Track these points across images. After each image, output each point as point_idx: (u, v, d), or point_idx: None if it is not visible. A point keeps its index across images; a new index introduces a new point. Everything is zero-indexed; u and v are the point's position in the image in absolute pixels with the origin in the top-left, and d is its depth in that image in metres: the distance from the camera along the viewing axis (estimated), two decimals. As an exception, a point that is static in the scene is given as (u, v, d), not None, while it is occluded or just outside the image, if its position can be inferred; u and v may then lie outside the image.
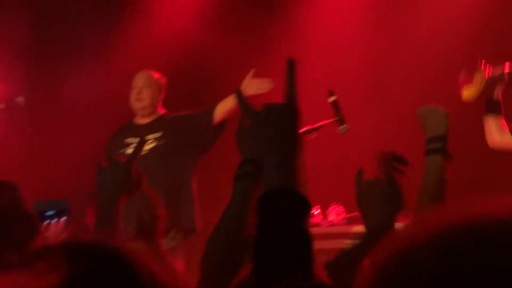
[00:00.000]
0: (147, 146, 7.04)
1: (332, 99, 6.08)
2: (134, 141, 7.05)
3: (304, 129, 5.85)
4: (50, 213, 3.03)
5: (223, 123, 6.81)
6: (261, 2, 8.99)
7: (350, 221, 7.03)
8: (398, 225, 3.10)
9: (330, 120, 6.09)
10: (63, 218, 2.98)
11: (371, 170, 3.29)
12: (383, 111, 7.90)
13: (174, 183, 6.70)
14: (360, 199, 3.32)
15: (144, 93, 7.03)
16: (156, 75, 7.11)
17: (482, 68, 6.24)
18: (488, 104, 6.54)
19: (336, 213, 7.29)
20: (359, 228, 3.15)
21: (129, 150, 6.97)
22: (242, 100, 2.38)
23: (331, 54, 8.45)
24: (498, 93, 6.50)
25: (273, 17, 8.89)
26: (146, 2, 9.10)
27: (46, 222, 3.10)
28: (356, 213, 6.97)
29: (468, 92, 6.43)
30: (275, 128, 2.23)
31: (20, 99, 7.76)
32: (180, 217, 6.56)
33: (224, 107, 6.71)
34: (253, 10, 8.85)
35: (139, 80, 7.14)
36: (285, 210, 2.06)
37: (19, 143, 8.59)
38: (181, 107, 7.22)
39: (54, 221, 2.99)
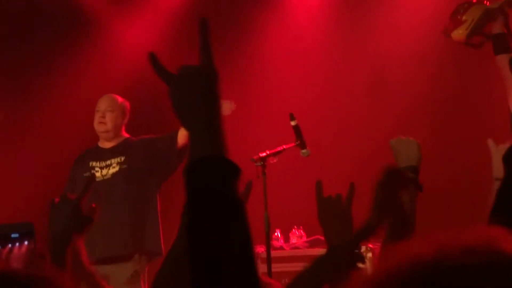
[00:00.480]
0: (111, 171, 7.03)
1: (293, 123, 6.12)
2: (97, 164, 7.06)
3: (266, 153, 6.07)
4: (14, 235, 2.93)
5: (187, 146, 6.56)
6: (224, 25, 8.92)
7: (312, 244, 7.01)
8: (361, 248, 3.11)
9: (292, 144, 6.13)
10: (27, 242, 2.88)
11: (332, 189, 3.24)
12: (344, 135, 7.92)
13: (138, 207, 6.68)
14: (321, 213, 3.30)
15: (107, 117, 6.95)
16: (120, 99, 7.03)
17: (474, 2, 6.09)
18: (495, 40, 6.25)
19: (298, 236, 7.28)
20: (321, 251, 3.15)
21: (96, 173, 7.02)
22: (156, 64, 2.15)
23: (294, 78, 8.47)
24: (500, 26, 6.25)
25: (236, 37, 8.86)
26: (109, 26, 9.05)
27: (9, 245, 2.98)
28: (317, 236, 7.03)
29: (458, 31, 6.26)
30: (192, 91, 2.10)
31: None
32: (145, 240, 6.54)
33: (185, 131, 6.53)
34: (216, 31, 8.80)
35: (103, 103, 7.06)
36: (217, 181, 1.94)
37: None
38: (145, 131, 7.21)
39: (17, 244, 2.90)
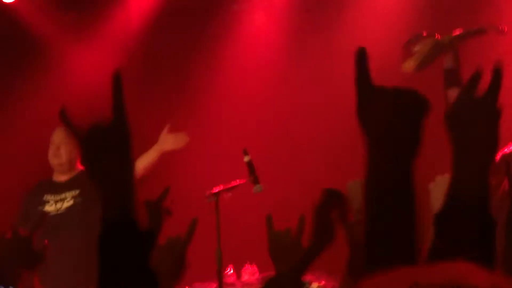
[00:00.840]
0: (65, 204, 6.89)
1: (246, 159, 6.12)
2: (52, 198, 6.94)
3: (219, 189, 6.05)
4: None
5: (143, 179, 6.64)
6: (177, 55, 8.97)
7: (265, 280, 6.95)
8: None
9: (244, 180, 6.13)
10: None
11: (282, 223, 3.29)
12: (298, 171, 7.95)
13: (92, 241, 6.61)
14: (271, 247, 3.33)
15: (62, 150, 6.90)
16: (64, 129, 6.88)
17: (425, 35, 6.16)
18: (445, 75, 6.27)
19: (250, 272, 7.25)
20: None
21: (47, 207, 6.88)
22: (67, 122, 2.18)
23: (249, 113, 8.51)
24: (451, 60, 6.30)
25: (190, 68, 8.86)
26: (61, 50, 8.93)
27: None
28: (270, 273, 7.01)
29: (407, 63, 6.27)
30: (103, 149, 2.16)
31: None
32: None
33: (143, 162, 6.62)
34: (171, 61, 8.91)
35: (57, 136, 6.97)
36: (130, 247, 2.06)
37: None
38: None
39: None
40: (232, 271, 7.29)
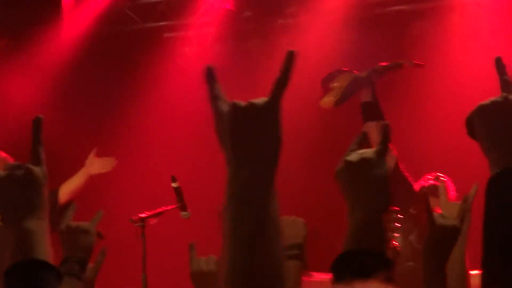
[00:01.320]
0: None
1: (175, 185, 6.11)
2: None
3: (146, 214, 6.02)
4: None
5: (69, 203, 6.46)
6: (110, 81, 9.02)
7: None
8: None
9: (173, 206, 6.12)
10: None
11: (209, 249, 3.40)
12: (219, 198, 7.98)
13: None
14: (193, 275, 3.50)
15: None
16: (3, 154, 6.73)
17: (343, 71, 6.29)
18: (363, 109, 6.38)
19: None
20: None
21: None
22: None
23: (179, 139, 8.54)
24: (368, 95, 6.37)
25: (122, 94, 8.87)
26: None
27: None
28: None
29: (326, 99, 6.38)
30: (19, 194, 2.21)
31: None
32: None
33: (69, 187, 6.48)
34: (103, 88, 8.97)
35: None
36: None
37: None
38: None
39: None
40: None
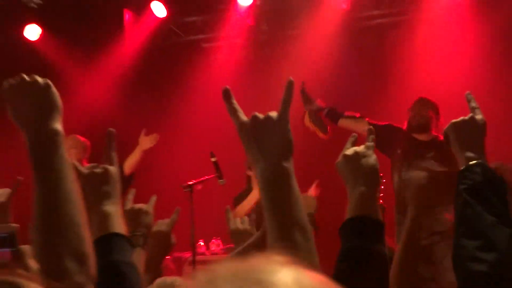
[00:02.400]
0: None
1: (213, 159, 6.14)
2: None
3: (193, 182, 6.07)
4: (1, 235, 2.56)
5: (131, 175, 6.52)
6: (162, 80, 8.95)
7: (227, 251, 6.93)
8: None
9: (212, 176, 6.14)
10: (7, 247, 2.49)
11: None
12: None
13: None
14: (231, 230, 3.47)
15: (71, 153, 6.86)
16: (82, 138, 6.88)
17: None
18: (329, 117, 6.37)
19: (216, 245, 7.36)
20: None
21: None
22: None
23: (216, 123, 7.94)
24: (316, 108, 6.43)
25: (173, 89, 8.80)
26: (71, 78, 8.69)
27: None
28: (231, 245, 7.07)
29: (319, 133, 6.35)
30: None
31: None
32: None
33: (130, 161, 6.47)
34: (156, 86, 8.92)
35: (67, 142, 6.90)
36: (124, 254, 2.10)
37: None
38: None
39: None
40: (202, 243, 7.37)
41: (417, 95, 6.75)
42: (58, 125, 2.04)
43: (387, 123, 6.12)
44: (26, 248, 1.90)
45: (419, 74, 7.89)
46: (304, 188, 6.80)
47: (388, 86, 7.95)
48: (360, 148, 2.15)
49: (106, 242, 2.09)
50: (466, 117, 2.26)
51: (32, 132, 1.95)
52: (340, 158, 2.17)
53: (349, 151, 2.15)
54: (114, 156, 2.26)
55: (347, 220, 2.03)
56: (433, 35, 8.05)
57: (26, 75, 2.00)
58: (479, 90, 7.04)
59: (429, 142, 5.96)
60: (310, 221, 3.28)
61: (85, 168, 2.25)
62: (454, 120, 2.26)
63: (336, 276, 1.93)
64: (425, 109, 5.98)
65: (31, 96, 1.97)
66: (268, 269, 0.75)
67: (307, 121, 6.44)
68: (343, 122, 6.33)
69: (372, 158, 2.13)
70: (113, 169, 2.23)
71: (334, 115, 6.39)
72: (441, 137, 5.90)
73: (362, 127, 5.80)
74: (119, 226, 2.14)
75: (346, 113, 6.38)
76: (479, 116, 2.25)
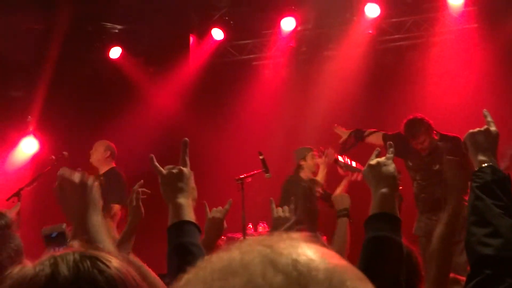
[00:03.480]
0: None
1: (261, 157, 6.14)
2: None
3: (244, 175, 6.08)
4: (53, 234, 2.53)
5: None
6: (221, 92, 8.76)
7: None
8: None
9: (260, 170, 6.14)
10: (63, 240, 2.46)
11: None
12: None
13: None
14: (273, 218, 3.47)
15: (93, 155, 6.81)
16: (107, 142, 6.89)
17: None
18: (356, 137, 6.31)
19: (263, 227, 7.20)
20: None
21: None
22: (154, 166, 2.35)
23: (259, 129, 8.31)
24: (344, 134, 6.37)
25: (229, 101, 8.59)
26: (145, 90, 8.64)
27: (51, 244, 2.54)
28: None
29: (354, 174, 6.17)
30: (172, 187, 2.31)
31: (65, 154, 7.19)
32: None
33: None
34: (216, 97, 8.76)
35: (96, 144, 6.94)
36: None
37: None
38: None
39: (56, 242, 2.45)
40: (251, 226, 7.22)
41: (429, 106, 6.64)
42: (96, 218, 2.15)
43: (396, 132, 6.06)
44: (75, 243, 2.02)
45: (431, 88, 7.78)
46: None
47: (407, 98, 7.78)
48: (382, 159, 2.24)
49: (179, 227, 2.16)
50: (482, 128, 2.28)
51: (77, 225, 2.15)
52: (366, 167, 2.26)
53: (373, 161, 2.24)
54: (187, 160, 2.31)
55: (372, 215, 2.12)
56: (444, 55, 7.94)
57: (68, 175, 2.21)
58: (482, 105, 6.97)
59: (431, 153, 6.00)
60: (346, 214, 3.63)
61: (165, 169, 2.29)
62: (471, 130, 2.27)
63: (361, 259, 2.04)
64: (422, 137, 5.93)
65: (73, 195, 2.13)
66: (290, 243, 0.70)
67: (341, 170, 6.42)
68: (368, 139, 6.31)
69: (392, 167, 2.22)
70: (186, 170, 2.29)
71: (360, 136, 6.38)
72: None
73: (379, 140, 6.03)
74: (190, 215, 2.19)
75: (366, 131, 6.38)
76: (493, 128, 2.27)
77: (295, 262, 0.64)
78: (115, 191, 6.25)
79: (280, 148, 7.63)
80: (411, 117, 5.99)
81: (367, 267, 1.92)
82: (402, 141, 5.76)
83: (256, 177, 6.20)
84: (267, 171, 6.11)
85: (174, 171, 2.27)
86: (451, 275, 2.72)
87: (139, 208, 3.17)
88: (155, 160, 2.34)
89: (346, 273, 0.66)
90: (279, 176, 6.66)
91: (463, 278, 2.48)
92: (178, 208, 2.20)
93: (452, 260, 2.66)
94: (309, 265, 0.64)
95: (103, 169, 6.76)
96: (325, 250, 0.69)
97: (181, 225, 2.16)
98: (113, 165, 6.79)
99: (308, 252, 0.67)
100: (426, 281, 2.49)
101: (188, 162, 2.31)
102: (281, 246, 0.67)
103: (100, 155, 6.81)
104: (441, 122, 6.27)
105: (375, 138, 6.19)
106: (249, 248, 0.68)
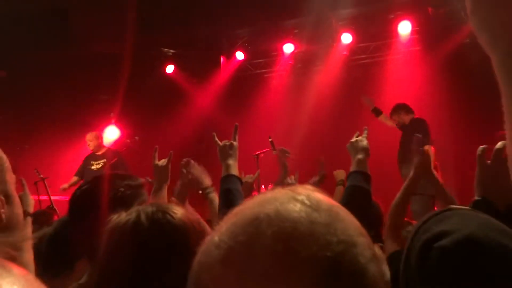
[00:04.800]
0: (99, 166, 6.36)
1: (270, 139, 6.05)
2: (94, 162, 6.43)
3: (258, 152, 6.09)
4: None
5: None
6: (242, 95, 8.51)
7: None
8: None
9: (269, 149, 6.04)
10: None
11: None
12: (303, 146, 7.19)
13: None
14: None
15: (91, 142, 6.64)
16: (97, 132, 6.70)
17: None
18: (375, 113, 6.08)
19: (271, 188, 6.99)
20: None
21: (92, 167, 6.39)
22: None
23: (269, 120, 8.10)
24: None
25: (247, 102, 8.40)
26: (190, 94, 8.59)
27: None
28: None
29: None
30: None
31: (136, 138, 7.46)
32: None
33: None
34: (234, 100, 8.47)
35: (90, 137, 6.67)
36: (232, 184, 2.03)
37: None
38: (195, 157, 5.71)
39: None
40: (263, 187, 6.52)
41: (387, 107, 6.67)
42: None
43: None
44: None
45: (388, 94, 7.67)
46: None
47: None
48: (359, 137, 2.17)
49: (227, 178, 2.09)
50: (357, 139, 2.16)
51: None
52: (348, 143, 2.18)
53: (353, 139, 2.18)
54: (236, 137, 2.24)
55: (351, 172, 2.05)
56: (397, 70, 7.92)
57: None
58: (424, 105, 7.04)
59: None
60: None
61: (222, 142, 2.20)
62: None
63: (342, 200, 1.93)
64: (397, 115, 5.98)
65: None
66: (305, 188, 0.66)
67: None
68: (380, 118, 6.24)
69: (365, 142, 2.13)
70: (235, 143, 2.23)
71: (378, 112, 6.29)
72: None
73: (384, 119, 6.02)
74: (235, 171, 2.13)
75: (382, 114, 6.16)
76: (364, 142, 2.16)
77: (309, 197, 0.62)
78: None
79: (282, 133, 7.39)
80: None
81: (345, 205, 1.58)
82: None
83: (267, 153, 6.01)
84: (274, 149, 5.94)
85: (227, 143, 2.20)
86: (405, 219, 2.44)
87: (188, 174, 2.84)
88: (216, 136, 2.26)
89: (339, 207, 0.65)
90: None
91: (414, 222, 2.40)
92: (228, 166, 2.14)
93: (407, 208, 2.29)
94: (318, 198, 0.63)
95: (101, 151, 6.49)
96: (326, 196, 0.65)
97: (229, 177, 2.09)
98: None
99: (317, 193, 0.65)
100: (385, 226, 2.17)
101: (237, 138, 2.23)
102: (299, 190, 0.64)
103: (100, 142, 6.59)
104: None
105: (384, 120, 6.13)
106: (277, 191, 0.65)
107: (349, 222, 0.61)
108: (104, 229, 1.10)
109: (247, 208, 0.62)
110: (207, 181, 2.47)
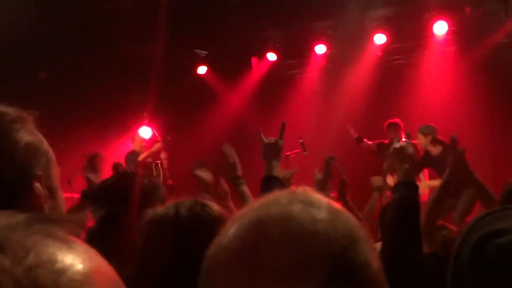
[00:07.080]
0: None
1: (300, 141, 6.13)
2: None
3: (289, 153, 6.13)
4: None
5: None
6: (274, 96, 8.47)
7: None
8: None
9: (300, 150, 6.11)
10: None
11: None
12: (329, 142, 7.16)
13: None
14: (315, 183, 3.24)
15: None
16: (141, 137, 6.96)
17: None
18: (379, 149, 5.96)
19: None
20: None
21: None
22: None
23: (300, 120, 7.86)
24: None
25: (276, 104, 8.27)
26: (222, 94, 8.61)
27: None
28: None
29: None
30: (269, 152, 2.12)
31: (168, 137, 7.69)
32: None
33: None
34: (266, 103, 8.44)
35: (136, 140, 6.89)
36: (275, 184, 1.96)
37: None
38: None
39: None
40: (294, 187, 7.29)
41: (420, 106, 6.62)
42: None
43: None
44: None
45: (421, 94, 7.64)
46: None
47: (403, 101, 7.67)
48: (403, 143, 1.97)
49: (270, 180, 2.06)
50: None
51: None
52: (391, 149, 1.98)
53: (397, 145, 1.97)
54: (282, 136, 2.18)
55: (398, 182, 1.88)
56: (431, 70, 7.82)
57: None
58: (458, 106, 7.01)
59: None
60: (379, 190, 3.43)
61: (266, 139, 2.16)
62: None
63: (391, 210, 1.79)
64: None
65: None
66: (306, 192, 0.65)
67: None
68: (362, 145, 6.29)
69: (411, 149, 1.94)
70: (280, 141, 2.17)
71: (360, 141, 6.40)
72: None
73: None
74: (276, 171, 2.08)
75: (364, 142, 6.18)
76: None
77: (308, 197, 0.62)
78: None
79: (312, 133, 7.41)
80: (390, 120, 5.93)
81: (397, 219, 1.70)
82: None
83: (298, 154, 6.16)
84: (304, 150, 6.08)
85: (271, 141, 2.16)
86: (440, 222, 2.45)
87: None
88: (261, 132, 2.20)
89: (336, 204, 0.65)
90: (314, 156, 6.18)
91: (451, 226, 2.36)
92: (272, 167, 2.09)
93: (441, 209, 2.29)
94: (315, 197, 0.63)
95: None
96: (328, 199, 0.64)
97: (273, 179, 2.06)
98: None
99: (316, 194, 0.64)
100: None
101: (283, 137, 2.17)
102: (297, 191, 0.64)
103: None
104: (428, 120, 6.16)
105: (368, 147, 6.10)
106: (277, 193, 0.64)
107: (347, 217, 0.62)
108: (139, 223, 1.11)
109: (251, 210, 0.62)
110: (240, 170, 2.41)
